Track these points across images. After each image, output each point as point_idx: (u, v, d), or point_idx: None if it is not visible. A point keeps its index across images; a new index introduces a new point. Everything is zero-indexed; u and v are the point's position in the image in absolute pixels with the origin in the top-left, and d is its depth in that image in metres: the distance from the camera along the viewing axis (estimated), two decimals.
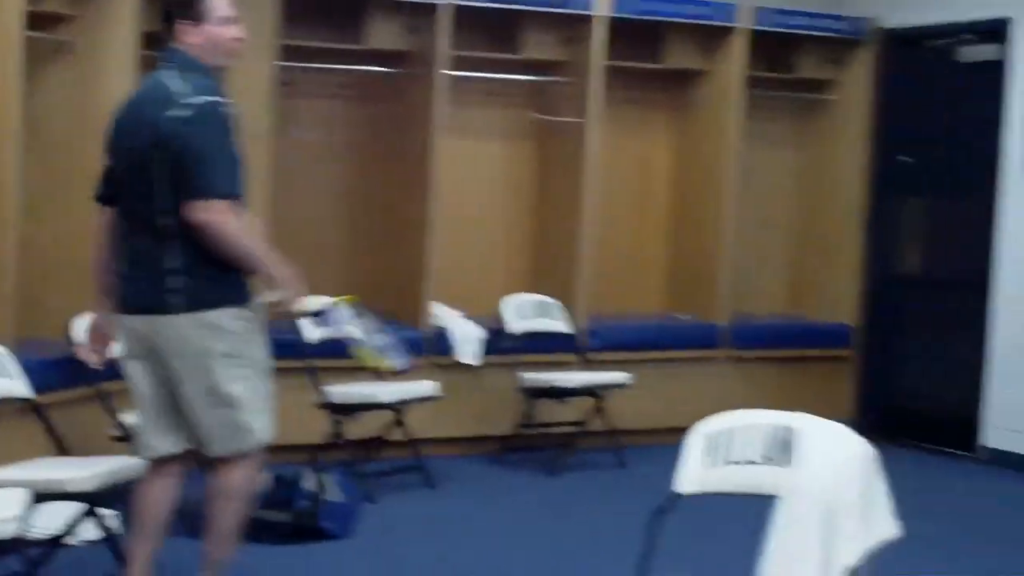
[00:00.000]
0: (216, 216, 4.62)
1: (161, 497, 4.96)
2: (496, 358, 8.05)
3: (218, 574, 4.89)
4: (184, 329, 4.73)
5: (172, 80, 4.74)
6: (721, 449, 3.77)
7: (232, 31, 4.84)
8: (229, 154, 4.69)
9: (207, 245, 4.66)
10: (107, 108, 6.76)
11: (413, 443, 7.44)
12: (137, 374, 4.92)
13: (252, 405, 4.87)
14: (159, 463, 4.94)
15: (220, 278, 4.76)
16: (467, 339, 8.02)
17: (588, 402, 8.07)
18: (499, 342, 8.03)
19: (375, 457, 7.37)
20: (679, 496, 3.76)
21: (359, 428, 7.26)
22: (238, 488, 4.91)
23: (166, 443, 4.91)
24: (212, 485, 4.94)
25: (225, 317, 4.75)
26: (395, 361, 6.77)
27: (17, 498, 4.53)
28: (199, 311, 4.72)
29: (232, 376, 4.80)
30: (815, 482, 3.62)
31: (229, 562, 4.93)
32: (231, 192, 4.67)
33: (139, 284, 4.78)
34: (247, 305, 4.83)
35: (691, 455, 3.80)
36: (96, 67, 6.88)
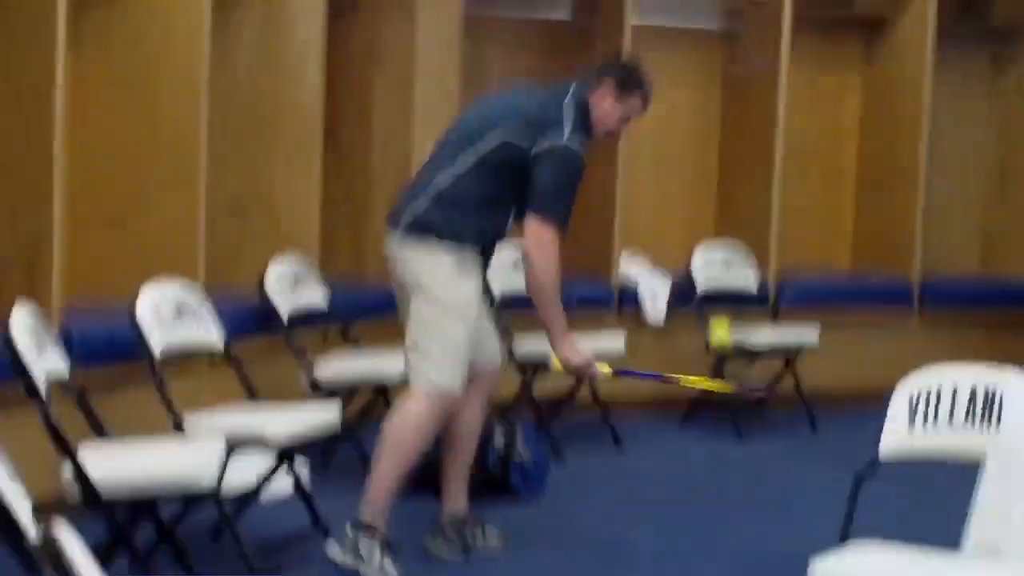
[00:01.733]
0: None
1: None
2: (685, 313, 7.85)
3: (373, 516, 4.83)
4: None
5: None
6: (925, 410, 3.64)
7: (620, 125, 5.16)
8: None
9: None
10: (295, 55, 6.80)
11: (601, 401, 7.29)
12: None
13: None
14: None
15: None
16: (655, 294, 7.86)
17: (778, 361, 7.86)
18: (688, 297, 7.83)
19: (564, 415, 7.23)
20: (881, 461, 3.63)
21: (548, 385, 7.13)
22: (397, 424, 4.91)
23: None
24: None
25: None
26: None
27: (213, 448, 4.49)
28: None
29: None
30: None
31: (381, 507, 4.85)
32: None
33: None
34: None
35: (895, 417, 3.68)
36: (285, 13, 6.82)
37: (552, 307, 4.93)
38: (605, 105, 5.05)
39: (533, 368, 6.94)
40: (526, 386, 7.00)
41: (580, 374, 5.14)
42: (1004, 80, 9.34)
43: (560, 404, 7.24)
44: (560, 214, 4.89)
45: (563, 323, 4.97)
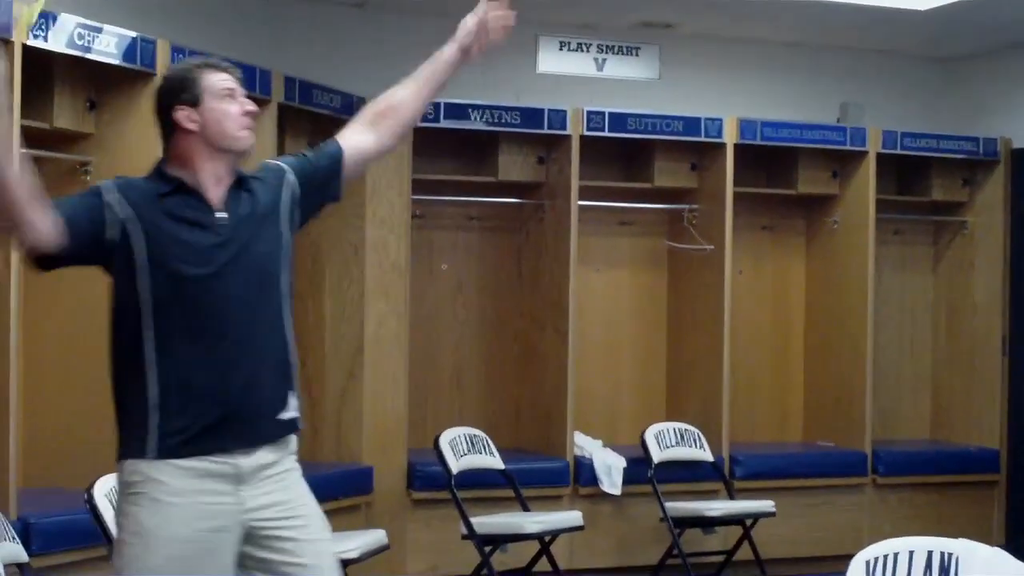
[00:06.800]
0: None
1: None
2: (639, 487, 7.89)
3: None
4: None
5: None
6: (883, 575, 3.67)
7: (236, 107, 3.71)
8: None
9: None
10: None
11: (560, 574, 7.30)
12: None
13: None
14: None
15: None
16: (609, 468, 7.90)
17: (734, 531, 7.90)
18: (641, 471, 7.87)
19: None
20: None
21: (507, 559, 7.14)
22: None
23: None
24: None
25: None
26: None
27: None
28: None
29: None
30: None
31: None
32: None
33: None
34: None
35: None
36: None
37: None
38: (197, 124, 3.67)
39: (492, 543, 6.97)
40: (485, 561, 7.00)
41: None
42: (943, 252, 9.56)
43: None
44: None
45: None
